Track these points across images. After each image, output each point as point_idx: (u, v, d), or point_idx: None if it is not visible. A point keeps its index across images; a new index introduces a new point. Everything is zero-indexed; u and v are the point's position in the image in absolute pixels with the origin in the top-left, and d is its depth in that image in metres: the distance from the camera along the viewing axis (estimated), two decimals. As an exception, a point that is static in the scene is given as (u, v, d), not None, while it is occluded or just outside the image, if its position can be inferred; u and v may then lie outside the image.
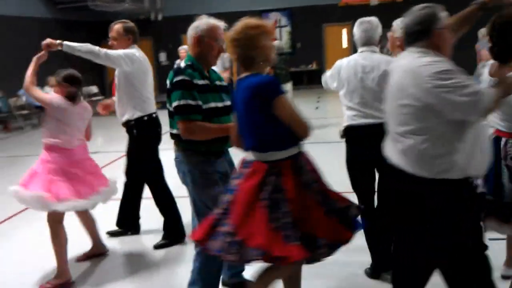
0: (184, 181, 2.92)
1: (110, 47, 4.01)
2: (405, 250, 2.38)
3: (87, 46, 3.79)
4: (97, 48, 3.81)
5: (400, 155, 2.25)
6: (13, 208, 4.85)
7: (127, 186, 4.27)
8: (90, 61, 3.97)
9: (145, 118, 4.01)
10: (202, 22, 2.86)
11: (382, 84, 3.10)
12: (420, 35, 2.22)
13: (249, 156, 2.57)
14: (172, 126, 2.87)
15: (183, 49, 8.89)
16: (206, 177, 2.83)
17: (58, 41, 3.70)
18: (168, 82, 2.79)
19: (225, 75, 8.71)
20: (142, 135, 4.04)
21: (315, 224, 2.42)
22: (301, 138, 2.52)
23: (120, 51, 3.94)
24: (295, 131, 2.47)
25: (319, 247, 2.41)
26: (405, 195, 2.28)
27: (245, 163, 2.57)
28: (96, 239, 3.95)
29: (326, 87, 3.61)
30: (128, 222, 4.38)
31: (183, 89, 2.70)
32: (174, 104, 2.72)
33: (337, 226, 2.49)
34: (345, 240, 2.49)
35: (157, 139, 4.15)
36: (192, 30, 2.85)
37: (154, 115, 4.09)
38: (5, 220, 4.99)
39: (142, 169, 4.16)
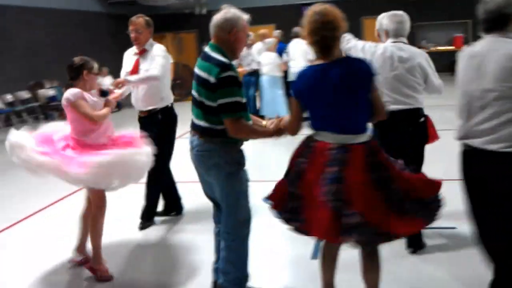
0: (217, 174, 2.80)
1: (136, 40, 4.20)
2: (487, 234, 2.53)
3: (141, 76, 4.15)
4: (148, 74, 4.14)
5: (498, 134, 2.33)
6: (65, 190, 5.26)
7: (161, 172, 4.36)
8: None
9: (169, 105, 4.36)
10: (234, 14, 2.78)
11: (414, 73, 3.46)
12: (503, 21, 2.35)
13: (335, 140, 2.53)
14: (206, 119, 2.76)
15: None
16: (241, 168, 2.85)
17: (124, 80, 4.10)
18: (206, 75, 2.68)
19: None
20: (165, 122, 4.30)
21: (417, 189, 2.52)
22: (381, 119, 2.67)
23: (160, 58, 4.19)
24: (378, 113, 2.62)
25: (430, 204, 2.55)
26: (487, 178, 2.42)
27: (338, 149, 2.50)
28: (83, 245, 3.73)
29: (344, 49, 3.69)
30: (172, 206, 4.67)
31: (234, 85, 2.65)
32: (224, 100, 2.64)
33: (427, 181, 2.61)
34: (439, 187, 2.61)
35: (176, 124, 4.42)
36: (224, 22, 2.76)
37: (172, 103, 4.43)
38: (61, 199, 5.45)
39: (164, 152, 4.20)
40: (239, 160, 2.85)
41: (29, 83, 12.22)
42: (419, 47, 16.64)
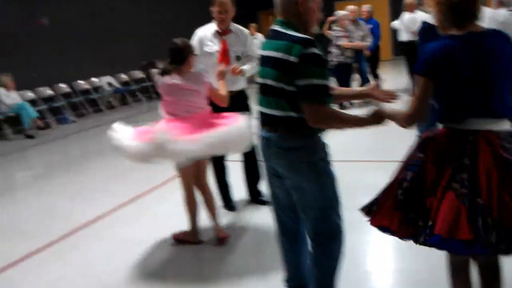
0: (307, 173, 2.38)
1: (223, 21, 4.12)
2: None
3: (250, 69, 4.16)
4: (252, 66, 4.14)
5: None
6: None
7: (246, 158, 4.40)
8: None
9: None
10: None
11: None
12: None
13: (494, 126, 2.14)
14: (292, 108, 2.31)
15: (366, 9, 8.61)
16: (330, 165, 2.44)
17: (239, 69, 4.03)
18: (284, 54, 2.27)
19: None
20: (248, 99, 4.34)
21: None
22: None
23: (254, 44, 4.25)
24: None
25: None
26: None
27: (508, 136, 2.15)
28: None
29: None
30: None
31: (319, 65, 2.25)
32: (306, 82, 2.23)
33: None
34: None
35: None
36: None
37: None
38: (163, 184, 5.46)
39: None
40: (328, 154, 2.45)
41: (142, 63, 12.70)
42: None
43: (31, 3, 9.93)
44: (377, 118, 2.34)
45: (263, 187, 4.38)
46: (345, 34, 8.45)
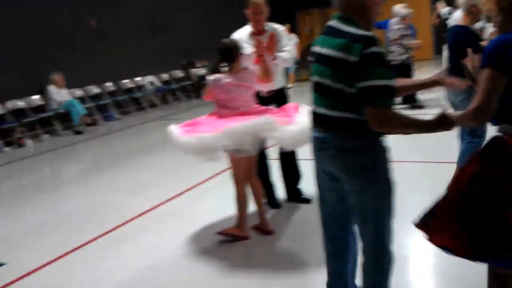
0: (364, 178, 2.23)
1: (258, 21, 4.18)
2: None
3: (285, 56, 4.23)
4: (288, 54, 4.25)
5: None
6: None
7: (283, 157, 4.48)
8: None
9: None
10: None
11: None
12: None
13: None
14: (351, 110, 2.17)
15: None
16: (390, 172, 2.27)
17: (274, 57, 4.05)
18: (343, 54, 2.11)
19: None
20: (286, 98, 4.41)
21: None
22: None
23: (290, 41, 4.28)
24: None
25: None
26: None
27: None
28: (262, 216, 3.99)
29: None
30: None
31: (382, 65, 2.08)
32: (368, 83, 2.07)
33: None
34: None
35: None
36: None
37: None
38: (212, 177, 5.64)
39: None
40: (389, 159, 2.29)
41: (182, 63, 12.96)
42: None
43: (80, 5, 10.36)
44: (444, 123, 2.12)
45: (303, 185, 4.52)
46: (406, 33, 8.23)
